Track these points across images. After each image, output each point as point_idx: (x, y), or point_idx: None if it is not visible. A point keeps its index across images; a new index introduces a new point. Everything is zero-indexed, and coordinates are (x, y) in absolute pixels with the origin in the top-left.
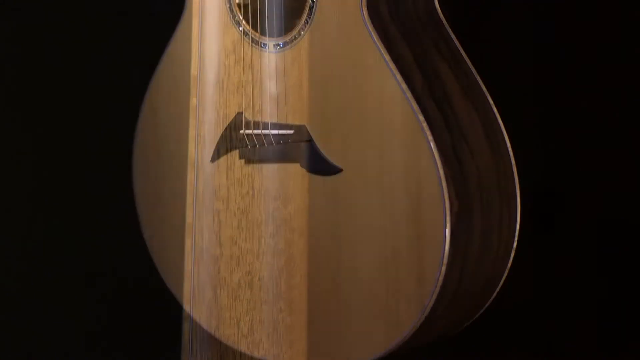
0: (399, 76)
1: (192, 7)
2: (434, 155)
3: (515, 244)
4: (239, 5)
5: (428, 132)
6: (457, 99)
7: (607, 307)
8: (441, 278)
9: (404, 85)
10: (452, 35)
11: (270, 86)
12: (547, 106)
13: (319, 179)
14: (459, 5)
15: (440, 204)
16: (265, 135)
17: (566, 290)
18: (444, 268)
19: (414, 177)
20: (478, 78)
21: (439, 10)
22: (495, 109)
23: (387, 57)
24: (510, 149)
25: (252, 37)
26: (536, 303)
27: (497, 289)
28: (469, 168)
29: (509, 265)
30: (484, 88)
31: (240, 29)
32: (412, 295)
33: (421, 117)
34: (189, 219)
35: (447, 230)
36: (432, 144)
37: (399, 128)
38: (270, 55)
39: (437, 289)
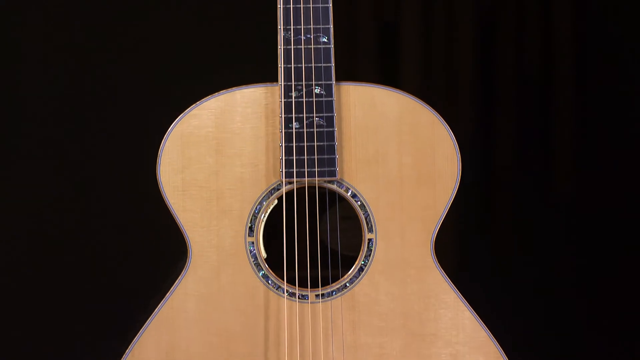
0: (472, 311)
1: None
2: None
3: None
4: (266, 259)
5: (503, 354)
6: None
7: None
8: None
9: (479, 320)
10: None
11: (317, 337)
12: None
13: None
14: None
15: None
16: None
17: None
18: None
19: None
20: None
21: None
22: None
23: (460, 295)
24: None
25: (284, 290)
26: None
27: None
28: None
29: None
30: None
31: (269, 282)
32: None
33: (498, 346)
34: None
35: None
36: None
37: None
38: (317, 306)
39: None
